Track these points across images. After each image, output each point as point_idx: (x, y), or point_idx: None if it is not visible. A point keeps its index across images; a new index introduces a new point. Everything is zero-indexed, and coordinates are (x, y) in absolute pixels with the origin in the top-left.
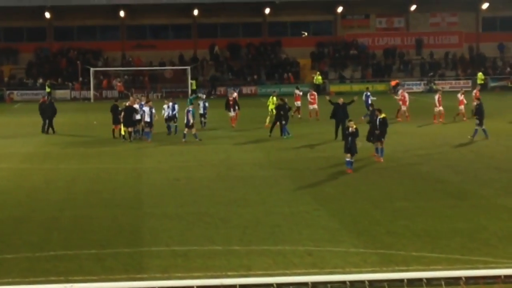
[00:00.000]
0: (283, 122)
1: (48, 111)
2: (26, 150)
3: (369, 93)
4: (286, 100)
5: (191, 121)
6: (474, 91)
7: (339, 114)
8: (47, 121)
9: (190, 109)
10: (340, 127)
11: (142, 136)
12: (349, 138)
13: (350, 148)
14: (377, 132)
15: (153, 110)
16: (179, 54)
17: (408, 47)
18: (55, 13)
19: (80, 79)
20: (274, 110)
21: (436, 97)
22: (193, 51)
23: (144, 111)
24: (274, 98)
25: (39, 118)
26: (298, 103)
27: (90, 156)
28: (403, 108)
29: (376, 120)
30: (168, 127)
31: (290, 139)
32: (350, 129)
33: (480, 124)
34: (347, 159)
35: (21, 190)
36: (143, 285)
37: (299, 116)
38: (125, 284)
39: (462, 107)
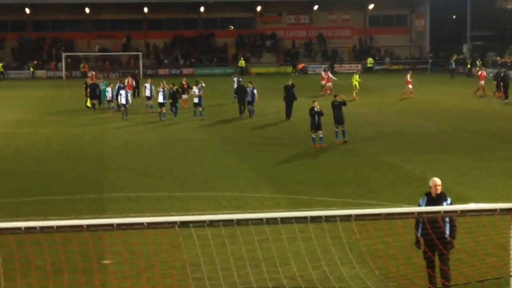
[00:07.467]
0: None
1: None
2: (10, 117)
3: (254, 89)
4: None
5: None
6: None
7: (288, 96)
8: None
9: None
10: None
11: (197, 116)
12: (316, 117)
13: (318, 126)
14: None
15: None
16: (132, 43)
17: (312, 38)
18: (34, 9)
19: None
20: (357, 85)
21: (408, 76)
22: (144, 41)
23: (194, 92)
24: (357, 75)
25: (21, 92)
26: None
27: (62, 122)
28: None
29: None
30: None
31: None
32: (316, 108)
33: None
34: (313, 136)
35: (7, 149)
36: (105, 222)
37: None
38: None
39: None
